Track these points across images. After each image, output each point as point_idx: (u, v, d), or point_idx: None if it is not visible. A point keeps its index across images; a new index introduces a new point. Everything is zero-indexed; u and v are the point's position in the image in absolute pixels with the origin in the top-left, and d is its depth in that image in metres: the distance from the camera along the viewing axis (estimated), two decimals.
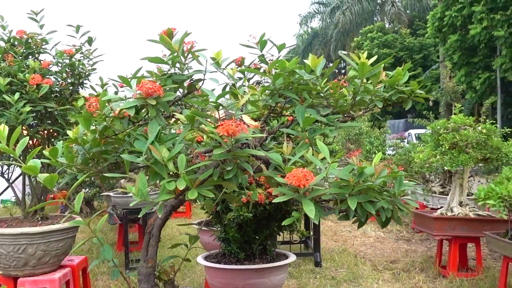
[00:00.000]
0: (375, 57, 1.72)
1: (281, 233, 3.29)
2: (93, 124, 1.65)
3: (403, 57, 24.99)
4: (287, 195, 1.34)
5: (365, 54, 1.66)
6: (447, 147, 4.76)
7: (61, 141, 3.48)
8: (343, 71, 38.26)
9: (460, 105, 5.36)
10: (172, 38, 1.71)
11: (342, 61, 37.55)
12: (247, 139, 1.55)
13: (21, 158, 1.70)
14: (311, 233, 5.73)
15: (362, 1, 29.45)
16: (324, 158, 1.43)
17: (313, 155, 1.47)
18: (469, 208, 4.90)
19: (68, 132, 1.67)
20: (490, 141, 4.70)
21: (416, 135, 18.06)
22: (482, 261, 4.90)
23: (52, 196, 9.32)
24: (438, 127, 4.88)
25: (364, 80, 1.64)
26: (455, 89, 11.56)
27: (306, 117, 1.53)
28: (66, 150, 1.65)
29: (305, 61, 1.68)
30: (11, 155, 1.55)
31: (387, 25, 28.76)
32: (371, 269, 5.20)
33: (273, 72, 1.80)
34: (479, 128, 4.72)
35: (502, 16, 15.52)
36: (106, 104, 1.63)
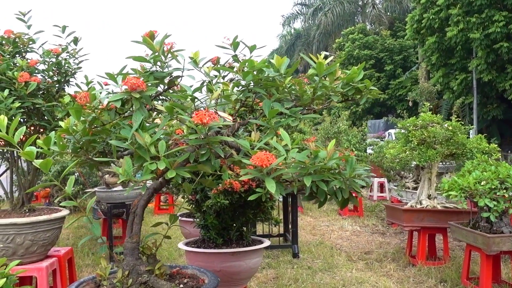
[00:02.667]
0: (331, 57, 1.95)
1: (256, 221, 3.51)
2: (83, 115, 1.85)
3: (384, 58, 25.43)
4: (252, 174, 1.57)
5: (323, 55, 1.89)
6: (416, 143, 5.06)
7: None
8: None
9: (429, 104, 5.65)
10: (154, 40, 1.92)
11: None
12: (219, 128, 1.78)
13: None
14: (290, 226, 5.97)
15: (343, 3, 29.87)
16: (286, 145, 1.66)
17: (277, 142, 1.69)
18: (437, 201, 5.20)
19: (61, 123, 1.87)
20: (456, 137, 5.00)
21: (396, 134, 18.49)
22: (449, 251, 5.21)
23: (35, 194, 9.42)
24: (408, 124, 5.17)
25: (322, 78, 1.88)
26: (430, 89, 11.93)
27: (271, 109, 1.76)
28: (59, 139, 1.85)
29: (271, 60, 1.91)
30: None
31: (368, 27, 29.20)
32: (346, 259, 5.47)
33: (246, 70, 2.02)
34: (446, 125, 5.01)
35: (477, 19, 16.01)
36: (95, 97, 1.83)
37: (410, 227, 5.12)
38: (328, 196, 1.85)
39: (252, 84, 1.95)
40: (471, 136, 17.97)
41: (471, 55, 17.90)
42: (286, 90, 1.91)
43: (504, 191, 3.86)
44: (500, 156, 4.89)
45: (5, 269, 1.75)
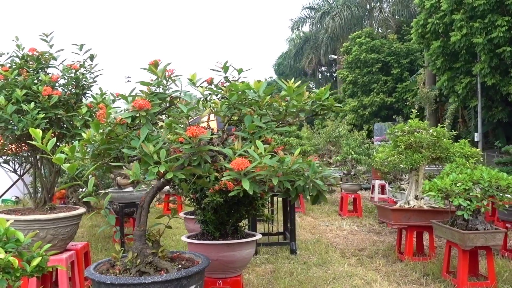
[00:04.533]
0: (298, 82, 2.38)
1: (249, 217, 3.94)
2: (101, 128, 2.30)
3: (391, 61, 25.74)
4: (232, 175, 2.01)
5: (293, 80, 2.33)
6: (403, 148, 5.46)
7: (68, 142, 4.13)
8: (334, 74, 39.07)
9: (415, 111, 6.04)
10: (158, 67, 2.37)
11: (333, 64, 38.48)
12: (210, 139, 2.22)
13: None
14: (289, 225, 6.39)
15: (351, 7, 30.23)
16: (260, 152, 2.10)
17: (254, 150, 2.13)
18: (424, 201, 5.59)
19: (83, 134, 2.32)
20: (441, 142, 5.39)
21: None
22: (434, 247, 5.59)
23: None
24: (396, 130, 5.58)
25: (293, 97, 2.31)
26: (429, 94, 12.26)
27: (250, 123, 2.20)
28: (81, 147, 2.31)
29: (251, 84, 2.34)
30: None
31: (375, 31, 29.49)
32: (339, 256, 5.88)
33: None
34: (431, 131, 5.41)
35: (480, 24, 16.31)
36: (111, 114, 2.28)
37: (397, 225, 5.52)
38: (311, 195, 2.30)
39: (238, 102, 2.39)
40: (476, 139, 18.12)
41: (476, 59, 18.17)
42: (264, 108, 2.35)
43: (478, 191, 4.25)
44: (481, 159, 5.27)
45: (40, 250, 2.22)
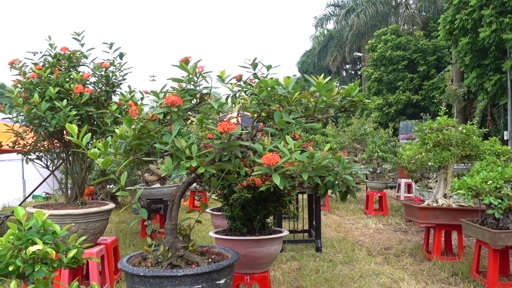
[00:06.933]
0: (328, 78, 2.38)
1: (276, 213, 3.96)
2: (133, 124, 2.35)
3: (417, 58, 25.31)
4: (262, 170, 2.03)
5: (322, 76, 2.33)
6: (432, 145, 5.38)
7: (99, 139, 4.22)
8: (359, 72, 38.71)
9: (444, 108, 5.94)
10: (188, 64, 2.40)
11: (358, 62, 38.10)
12: (239, 134, 2.24)
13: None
14: (314, 223, 6.38)
15: (376, 3, 29.83)
16: (290, 148, 2.11)
17: (284, 145, 2.14)
18: (452, 199, 5.50)
19: (116, 130, 2.38)
20: (470, 140, 5.29)
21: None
22: (463, 247, 5.50)
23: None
24: (424, 127, 5.50)
25: (322, 93, 2.31)
26: (457, 92, 12.01)
27: (280, 119, 2.21)
28: (114, 143, 2.37)
29: (280, 80, 2.35)
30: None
31: (401, 28, 29.03)
32: (366, 254, 5.84)
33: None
34: (460, 128, 5.32)
35: (511, 20, 15.88)
36: (143, 110, 2.33)
37: (425, 224, 5.44)
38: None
39: (268, 98, 2.41)
40: (505, 137, 17.65)
41: (505, 56, 17.70)
42: (293, 104, 2.36)
43: (509, 189, 4.16)
44: None
45: (75, 242, 2.29)
